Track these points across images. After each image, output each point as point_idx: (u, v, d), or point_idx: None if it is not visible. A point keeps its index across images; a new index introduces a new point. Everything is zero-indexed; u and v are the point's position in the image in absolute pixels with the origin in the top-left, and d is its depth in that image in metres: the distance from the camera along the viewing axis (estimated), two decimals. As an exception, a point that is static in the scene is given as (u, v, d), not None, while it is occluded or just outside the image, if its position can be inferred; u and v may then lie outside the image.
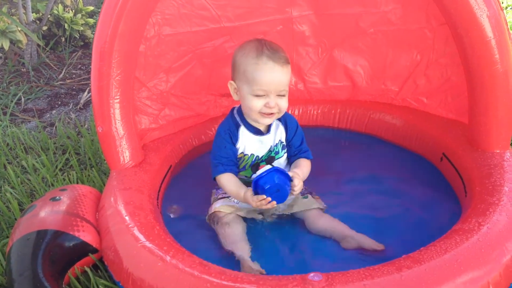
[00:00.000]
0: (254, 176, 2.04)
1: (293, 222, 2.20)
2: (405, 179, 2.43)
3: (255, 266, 1.89)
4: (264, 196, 1.97)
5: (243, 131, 2.19)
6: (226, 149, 2.17)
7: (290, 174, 2.03)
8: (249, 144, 2.20)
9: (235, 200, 2.20)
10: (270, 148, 2.22)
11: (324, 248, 2.03)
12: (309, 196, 2.24)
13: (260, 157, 2.21)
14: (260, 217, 2.20)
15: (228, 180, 2.15)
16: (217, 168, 2.16)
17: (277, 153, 2.23)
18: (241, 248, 2.00)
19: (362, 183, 2.42)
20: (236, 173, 2.19)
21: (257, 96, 2.06)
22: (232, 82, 2.16)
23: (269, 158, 2.22)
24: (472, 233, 1.71)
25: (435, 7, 2.29)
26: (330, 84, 2.99)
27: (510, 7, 4.90)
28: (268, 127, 2.22)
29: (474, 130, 2.27)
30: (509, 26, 2.12)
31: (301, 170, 2.15)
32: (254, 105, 2.08)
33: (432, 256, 1.62)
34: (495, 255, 1.65)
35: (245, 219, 2.18)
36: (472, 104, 2.24)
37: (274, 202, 1.99)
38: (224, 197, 2.23)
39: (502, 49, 2.06)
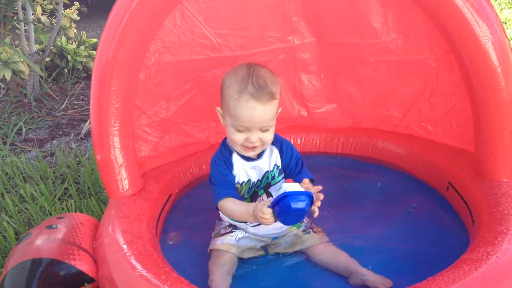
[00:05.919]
0: (282, 190, 1.78)
1: (295, 258, 2.12)
2: (411, 208, 2.38)
3: None
4: (270, 212, 1.79)
5: (236, 158, 2.13)
6: (226, 177, 2.09)
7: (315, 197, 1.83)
8: (243, 171, 2.13)
9: (236, 238, 2.12)
10: (265, 174, 2.15)
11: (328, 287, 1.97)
12: (311, 231, 2.15)
13: (255, 182, 2.14)
14: (260, 252, 2.13)
15: (233, 201, 2.03)
16: (220, 193, 2.05)
17: (273, 178, 2.16)
18: None
19: (367, 212, 2.37)
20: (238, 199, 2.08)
21: (239, 130, 2.00)
22: (219, 108, 2.10)
23: (266, 184, 2.16)
24: (481, 263, 1.67)
25: (438, 37, 2.27)
26: (332, 111, 2.95)
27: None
28: (260, 153, 2.14)
29: (481, 159, 2.23)
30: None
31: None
32: (236, 138, 2.02)
33: (440, 286, 1.58)
34: (505, 285, 1.61)
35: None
36: (478, 132, 2.21)
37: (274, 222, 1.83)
38: (226, 233, 2.16)
39: (508, 76, 2.04)
